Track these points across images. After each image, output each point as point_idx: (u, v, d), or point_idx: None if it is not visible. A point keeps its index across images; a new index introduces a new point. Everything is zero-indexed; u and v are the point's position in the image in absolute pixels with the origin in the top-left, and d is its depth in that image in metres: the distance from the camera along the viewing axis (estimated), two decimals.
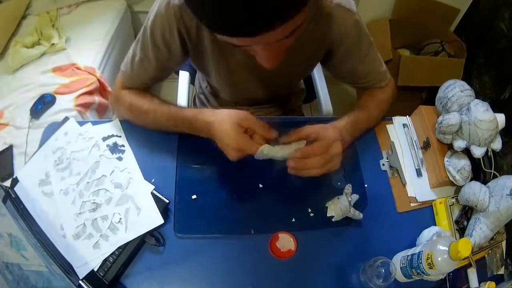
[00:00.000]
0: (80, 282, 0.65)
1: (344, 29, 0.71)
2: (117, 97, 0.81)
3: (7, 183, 0.79)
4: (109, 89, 1.38)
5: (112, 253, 0.69)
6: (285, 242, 0.70)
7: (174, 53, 0.73)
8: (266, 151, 0.64)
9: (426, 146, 0.84)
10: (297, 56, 0.72)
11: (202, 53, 0.76)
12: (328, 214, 0.72)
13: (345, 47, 0.75)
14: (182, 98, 1.09)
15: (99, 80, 1.33)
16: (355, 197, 0.74)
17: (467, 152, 0.79)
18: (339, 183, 0.78)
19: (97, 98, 1.30)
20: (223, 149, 0.66)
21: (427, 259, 0.62)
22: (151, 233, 0.72)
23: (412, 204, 0.81)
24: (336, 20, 0.70)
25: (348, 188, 0.73)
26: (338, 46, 0.75)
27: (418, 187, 0.82)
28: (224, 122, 0.65)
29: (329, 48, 0.77)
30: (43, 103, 0.98)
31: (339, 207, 0.71)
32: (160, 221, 0.71)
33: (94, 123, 0.85)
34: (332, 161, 0.65)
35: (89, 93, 1.26)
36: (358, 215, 0.73)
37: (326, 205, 0.73)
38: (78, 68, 1.33)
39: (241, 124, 0.64)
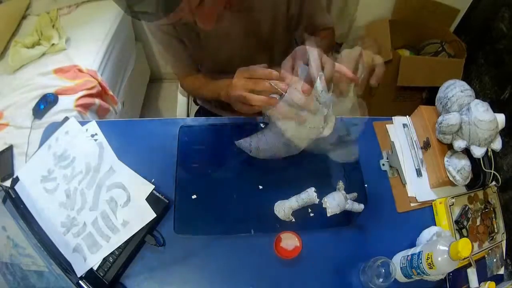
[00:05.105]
0: (80, 282, 0.65)
1: None
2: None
3: (7, 183, 0.79)
4: (110, 93, 1.37)
5: (112, 253, 0.69)
6: (290, 241, 0.70)
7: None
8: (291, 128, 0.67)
9: (426, 146, 0.84)
10: (259, 17, 0.80)
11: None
12: (325, 209, 0.72)
13: None
14: (182, 98, 1.10)
15: (100, 84, 1.34)
16: (353, 195, 0.74)
17: (467, 152, 0.79)
18: (339, 183, 0.78)
19: (97, 101, 1.30)
20: (233, 105, 0.71)
21: (427, 259, 0.62)
22: (151, 233, 0.72)
23: (412, 204, 0.81)
24: None
25: (340, 183, 0.74)
26: None
27: (418, 187, 0.82)
28: (232, 80, 0.70)
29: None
30: (46, 103, 0.98)
31: (335, 199, 0.71)
32: (152, 215, 0.72)
33: (96, 122, 0.85)
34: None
35: (90, 95, 1.26)
36: (358, 206, 0.72)
37: (321, 201, 0.73)
38: (80, 71, 1.33)
39: (243, 74, 0.68)
